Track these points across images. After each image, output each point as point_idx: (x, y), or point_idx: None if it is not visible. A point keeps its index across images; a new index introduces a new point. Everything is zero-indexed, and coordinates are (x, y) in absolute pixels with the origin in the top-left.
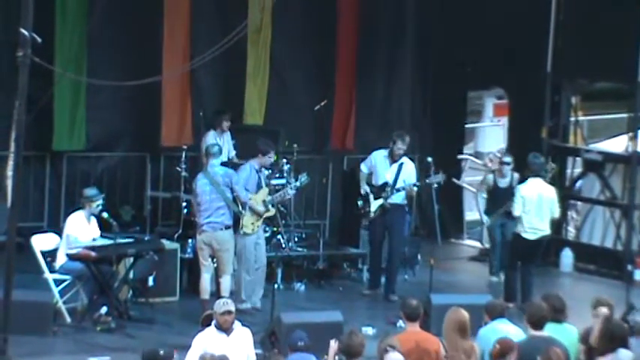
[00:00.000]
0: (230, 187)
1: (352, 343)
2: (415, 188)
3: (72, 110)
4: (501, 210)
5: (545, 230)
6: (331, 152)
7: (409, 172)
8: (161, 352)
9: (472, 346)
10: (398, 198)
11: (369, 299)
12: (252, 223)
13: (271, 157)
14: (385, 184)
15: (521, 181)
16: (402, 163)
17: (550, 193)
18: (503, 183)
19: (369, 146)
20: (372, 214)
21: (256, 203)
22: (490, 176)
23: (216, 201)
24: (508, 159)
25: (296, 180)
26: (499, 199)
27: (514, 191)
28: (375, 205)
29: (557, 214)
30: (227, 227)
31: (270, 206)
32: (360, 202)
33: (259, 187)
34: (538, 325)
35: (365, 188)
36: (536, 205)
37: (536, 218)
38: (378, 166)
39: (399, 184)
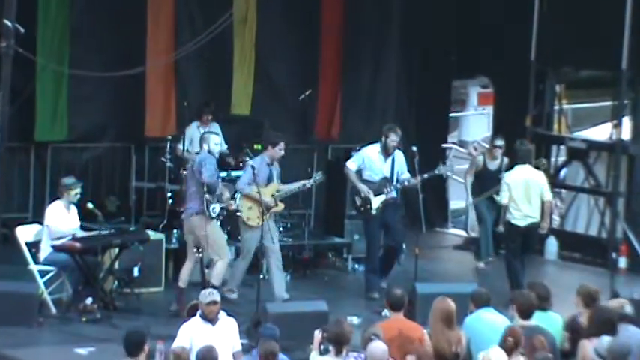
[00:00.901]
0: (200, 171)
1: (341, 330)
2: (417, 179)
3: (54, 101)
4: (487, 194)
5: (536, 217)
6: (316, 142)
7: (401, 162)
8: (144, 330)
9: (459, 335)
10: (395, 192)
11: (355, 288)
12: (258, 217)
13: (282, 149)
14: (384, 179)
15: (510, 168)
16: (393, 156)
17: (538, 178)
18: (492, 165)
19: (355, 136)
20: (373, 212)
21: (264, 196)
22: (480, 157)
23: (190, 187)
24: (500, 142)
25: (310, 177)
26: (487, 182)
27: (501, 176)
28: (377, 201)
29: (547, 197)
30: (197, 213)
31: (278, 201)
32: (357, 201)
33: (270, 180)
34: (526, 314)
35: (362, 187)
36: (523, 192)
37: (525, 205)
38: (374, 163)
39: (395, 177)
